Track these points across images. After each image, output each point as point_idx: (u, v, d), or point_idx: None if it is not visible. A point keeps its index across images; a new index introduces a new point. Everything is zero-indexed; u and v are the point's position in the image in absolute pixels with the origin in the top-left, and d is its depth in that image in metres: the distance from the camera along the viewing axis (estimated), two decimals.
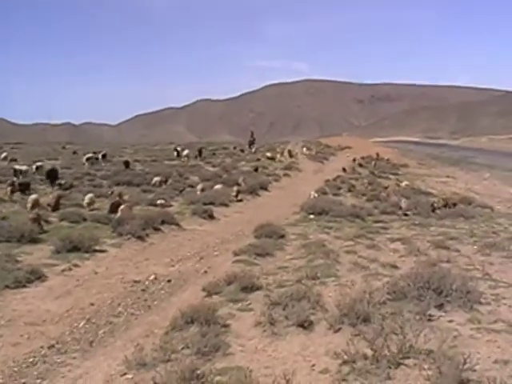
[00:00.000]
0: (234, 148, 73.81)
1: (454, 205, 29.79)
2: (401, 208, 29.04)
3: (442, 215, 27.82)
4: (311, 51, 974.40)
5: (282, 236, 21.06)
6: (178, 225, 24.31)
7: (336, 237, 21.18)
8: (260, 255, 17.85)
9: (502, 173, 63.23)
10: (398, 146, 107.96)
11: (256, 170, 46.59)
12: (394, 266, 15.66)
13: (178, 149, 59.56)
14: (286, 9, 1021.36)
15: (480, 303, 11.60)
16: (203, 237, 22.96)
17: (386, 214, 28.54)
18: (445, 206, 29.65)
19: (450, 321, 10.59)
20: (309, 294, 12.07)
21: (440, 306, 11.10)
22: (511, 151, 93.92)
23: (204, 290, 14.07)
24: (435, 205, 29.54)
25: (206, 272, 17.05)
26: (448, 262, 15.70)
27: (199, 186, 33.68)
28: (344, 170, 52.32)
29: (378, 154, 69.00)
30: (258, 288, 13.59)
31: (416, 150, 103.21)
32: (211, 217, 27.39)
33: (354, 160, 61.47)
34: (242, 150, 68.19)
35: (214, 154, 61.78)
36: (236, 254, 18.07)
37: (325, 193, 36.32)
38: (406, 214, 28.42)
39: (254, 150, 67.83)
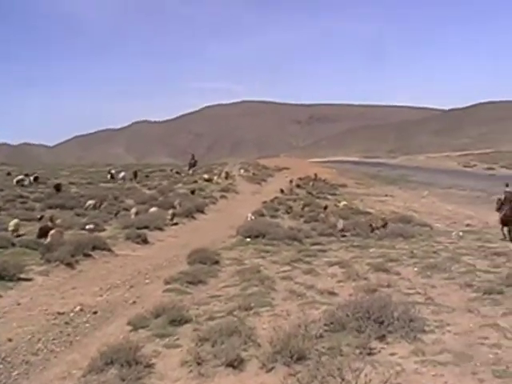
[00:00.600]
0: (171, 170, 72.66)
1: (384, 225, 29.19)
2: (340, 230, 28.39)
3: (381, 235, 27.27)
4: (249, 72, 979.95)
5: (217, 262, 20.20)
6: (110, 250, 23.27)
7: (272, 261, 20.41)
8: (192, 283, 16.93)
9: (439, 190, 63.23)
10: (336, 165, 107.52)
11: (193, 192, 45.51)
12: (332, 293, 14.89)
13: (112, 171, 58.10)
14: (222, 30, 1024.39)
15: (424, 331, 10.94)
16: (136, 263, 21.85)
17: (324, 235, 27.80)
18: (383, 226, 29.10)
19: (393, 354, 9.85)
20: (240, 328, 11.20)
21: (381, 338, 10.38)
22: (447, 169, 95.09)
23: (130, 323, 13.03)
24: (373, 225, 28.98)
25: (134, 302, 15.99)
26: (388, 286, 15.06)
27: (133, 210, 32.45)
28: (282, 191, 51.50)
29: (315, 175, 68.54)
30: (188, 320, 12.67)
31: (354, 169, 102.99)
32: (145, 241, 26.29)
33: (292, 181, 60.85)
34: (178, 172, 67.03)
35: (147, 176, 60.02)
36: (167, 283, 17.10)
37: (262, 215, 35.46)
38: (344, 236, 27.79)
39: (191, 172, 66.75)
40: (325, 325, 10.92)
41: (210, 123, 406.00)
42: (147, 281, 18.77)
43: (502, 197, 28.84)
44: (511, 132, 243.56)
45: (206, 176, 60.45)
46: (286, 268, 18.89)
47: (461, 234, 29.14)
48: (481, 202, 36.62)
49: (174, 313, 12.85)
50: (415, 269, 17.99)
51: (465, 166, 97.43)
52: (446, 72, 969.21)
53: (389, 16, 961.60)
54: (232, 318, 12.34)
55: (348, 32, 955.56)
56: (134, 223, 28.90)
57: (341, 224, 28.91)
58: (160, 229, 29.72)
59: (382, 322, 10.50)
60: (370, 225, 29.05)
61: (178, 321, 12.55)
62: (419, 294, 14.37)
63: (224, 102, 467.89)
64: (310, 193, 51.68)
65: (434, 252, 21.64)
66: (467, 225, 35.52)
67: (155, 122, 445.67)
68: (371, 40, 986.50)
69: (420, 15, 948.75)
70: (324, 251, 22.66)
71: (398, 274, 17.30)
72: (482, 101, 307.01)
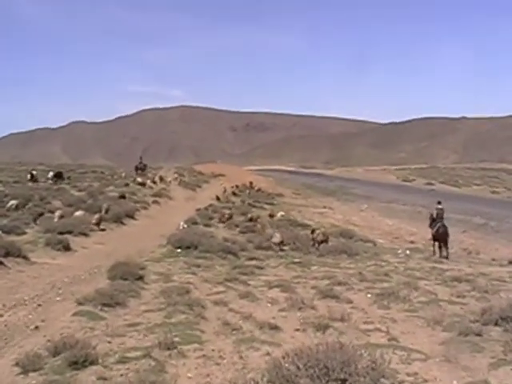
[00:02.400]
0: (102, 173, 69.98)
1: (322, 242, 26.79)
2: (278, 243, 25.99)
3: (322, 251, 25.18)
4: (187, 77, 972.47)
5: (141, 278, 17.46)
6: (25, 258, 20.41)
7: (204, 279, 17.94)
8: (109, 305, 14.10)
9: (378, 204, 62.14)
10: (272, 174, 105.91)
11: (123, 196, 42.47)
12: (275, 327, 12.36)
13: (34, 172, 54.62)
14: (160, 34, 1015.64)
15: None
16: (52, 273, 18.93)
17: (261, 249, 25.76)
18: (325, 241, 26.77)
19: None
20: (158, 379, 8.51)
21: None
22: (387, 182, 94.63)
23: (18, 364, 10.11)
24: (315, 239, 26.69)
25: (37, 328, 13.07)
26: (342, 320, 12.67)
27: (57, 213, 29.70)
28: (217, 198, 49.33)
29: (251, 183, 66.43)
30: (93, 362, 9.84)
31: (291, 179, 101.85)
32: (67, 248, 23.59)
33: (225, 190, 58.50)
34: (112, 175, 64.17)
35: (69, 177, 56.58)
36: (80, 303, 14.22)
37: (195, 223, 33.39)
38: (282, 250, 25.47)
39: (138, 175, 63.77)
40: (269, 382, 8.23)
41: (147, 127, 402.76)
42: (59, 298, 15.80)
43: (434, 213, 30.22)
44: (446, 148, 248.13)
45: (139, 179, 57.62)
46: (220, 289, 16.53)
47: (408, 252, 27.83)
48: (423, 217, 35.12)
49: (78, 350, 10.02)
50: (368, 295, 15.86)
51: (404, 181, 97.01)
52: (383, 86, 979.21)
53: (328, 28, 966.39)
54: (149, 360, 9.66)
55: (285, 45, 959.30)
56: (57, 227, 26.52)
57: (277, 237, 26.63)
58: (85, 234, 27.38)
59: (344, 381, 7.91)
60: (313, 239, 26.74)
61: (81, 362, 9.73)
62: (380, 331, 12.12)
63: (162, 106, 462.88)
64: (243, 201, 49.44)
65: (386, 274, 19.58)
66: (411, 241, 34.14)
67: (92, 123, 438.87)
68: (309, 51, 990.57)
69: (359, 29, 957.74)
70: (261, 268, 20.64)
71: (349, 301, 15.09)
72: (418, 116, 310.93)
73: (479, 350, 10.70)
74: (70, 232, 26.10)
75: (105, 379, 8.90)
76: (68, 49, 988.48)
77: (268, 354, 9.84)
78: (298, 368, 8.11)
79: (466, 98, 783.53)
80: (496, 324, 12.16)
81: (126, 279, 16.73)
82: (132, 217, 35.82)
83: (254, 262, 21.85)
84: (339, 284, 17.16)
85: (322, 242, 26.56)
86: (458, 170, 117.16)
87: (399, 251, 28.47)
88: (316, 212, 50.62)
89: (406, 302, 14.96)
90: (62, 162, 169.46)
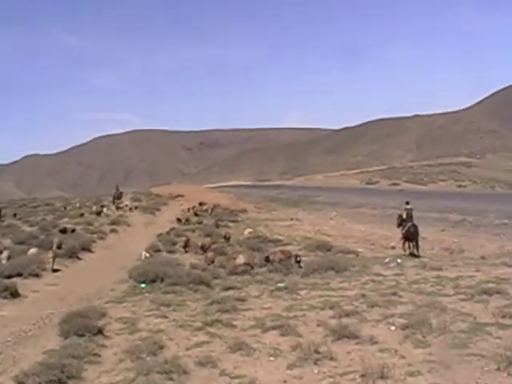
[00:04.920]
0: (52, 205, 66.56)
1: (281, 260, 23.96)
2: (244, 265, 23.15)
3: (306, 270, 22.20)
4: (137, 101, 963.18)
5: (100, 331, 14.10)
6: None
7: (178, 324, 14.74)
8: (59, 382, 10.87)
9: (347, 210, 59.70)
10: (232, 190, 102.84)
11: (73, 230, 38.70)
12: None
13: None
14: (104, 59, 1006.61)
15: None
16: None
17: (235, 274, 22.65)
18: (285, 258, 23.93)
19: None
20: None
21: None
22: (350, 187, 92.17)
23: None
24: (271, 257, 24.24)
25: None
26: (382, 376, 9.42)
27: (4, 254, 26.48)
28: (179, 220, 46.32)
29: (202, 203, 63.53)
30: None
31: (252, 193, 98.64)
32: (15, 295, 20.34)
33: (188, 210, 55.51)
34: (65, 207, 60.63)
35: (14, 214, 53.00)
36: (19, 383, 10.88)
37: (158, 250, 30.77)
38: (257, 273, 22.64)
39: (115, 204, 60.47)
40: None
41: (101, 154, 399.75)
42: None
43: (404, 214, 29.89)
44: (400, 148, 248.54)
45: (94, 208, 54.41)
46: (201, 337, 13.22)
47: (399, 261, 25.52)
48: (395, 220, 32.75)
49: None
50: (392, 328, 12.64)
51: (368, 183, 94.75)
52: (333, 93, 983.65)
53: (272, 39, 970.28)
54: None
55: (231, 57, 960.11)
56: (5, 270, 23.47)
57: (241, 259, 24.01)
58: (37, 275, 24.06)
59: None
60: (267, 257, 24.32)
61: None
62: None
63: (115, 132, 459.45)
64: (200, 222, 46.35)
65: (394, 293, 16.45)
66: (392, 247, 32.43)
67: (46, 155, 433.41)
68: (257, 65, 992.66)
69: (306, 36, 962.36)
70: (243, 300, 17.53)
71: (373, 340, 11.84)
72: (372, 119, 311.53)
73: None
74: (19, 274, 23.21)
75: None
76: (12, 81, 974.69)
77: None
78: None
79: (418, 96, 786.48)
80: None
81: (81, 335, 13.58)
82: (88, 249, 32.52)
83: (231, 293, 19.04)
84: (347, 315, 13.90)
85: (280, 260, 23.76)
86: (417, 168, 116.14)
87: (386, 260, 25.92)
88: (284, 225, 47.74)
89: (443, 332, 11.77)
90: (16, 197, 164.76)
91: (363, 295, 16.31)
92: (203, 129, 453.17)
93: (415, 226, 29.09)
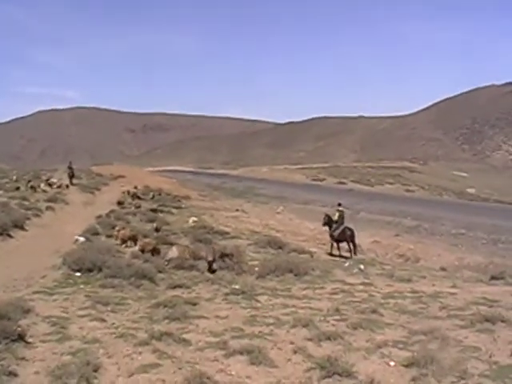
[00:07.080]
0: None
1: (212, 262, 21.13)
2: (210, 261, 20.49)
3: (261, 271, 19.83)
4: (82, 79, 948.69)
5: (21, 337, 11.04)
6: None
7: (118, 331, 12.05)
8: None
9: (294, 205, 57.98)
10: (174, 175, 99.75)
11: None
12: None
13: None
14: (53, 35, 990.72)
15: None
16: None
17: (183, 269, 20.07)
18: (226, 255, 21.27)
19: None
20: None
21: None
22: (296, 182, 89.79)
23: None
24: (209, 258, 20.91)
25: None
26: None
27: None
28: (119, 203, 43.36)
29: (146, 186, 60.81)
30: None
31: (195, 179, 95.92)
32: None
33: (129, 192, 52.50)
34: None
35: None
36: None
37: (96, 233, 27.99)
38: (213, 271, 19.99)
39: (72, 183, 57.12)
40: None
41: (43, 128, 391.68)
42: None
43: (336, 215, 30.13)
44: (344, 147, 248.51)
45: (31, 183, 51.11)
46: (147, 357, 10.27)
47: (362, 267, 23.80)
48: (347, 220, 30.80)
49: None
50: (391, 363, 9.82)
51: (314, 180, 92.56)
52: (278, 87, 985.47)
53: (230, 29, 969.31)
54: None
55: (180, 45, 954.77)
56: None
57: (174, 252, 21.24)
58: None
59: None
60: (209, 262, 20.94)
61: None
62: None
63: (58, 107, 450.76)
64: (152, 210, 43.46)
65: (374, 311, 13.76)
66: (347, 250, 29.98)
67: None
68: (204, 53, 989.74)
69: (252, 28, 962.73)
70: (194, 304, 15.01)
71: (372, 381, 9.01)
72: (317, 115, 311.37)
73: None
74: None
75: None
76: None
77: None
78: None
79: (364, 98, 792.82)
80: None
81: None
82: (21, 227, 29.23)
83: (179, 292, 16.69)
84: (328, 338, 11.10)
85: (211, 262, 20.71)
86: (360, 169, 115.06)
87: (346, 264, 24.16)
88: (229, 216, 45.29)
89: (463, 376, 9.05)
90: None
91: (337, 310, 13.74)
92: (147, 111, 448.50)
93: (351, 229, 29.90)
